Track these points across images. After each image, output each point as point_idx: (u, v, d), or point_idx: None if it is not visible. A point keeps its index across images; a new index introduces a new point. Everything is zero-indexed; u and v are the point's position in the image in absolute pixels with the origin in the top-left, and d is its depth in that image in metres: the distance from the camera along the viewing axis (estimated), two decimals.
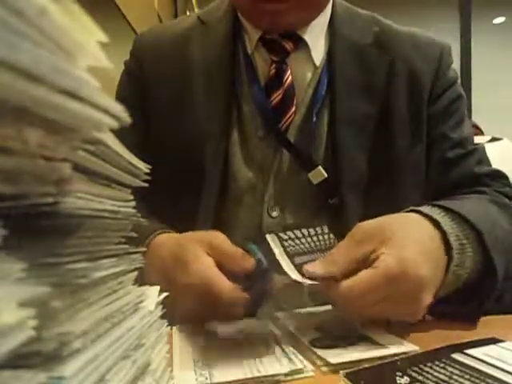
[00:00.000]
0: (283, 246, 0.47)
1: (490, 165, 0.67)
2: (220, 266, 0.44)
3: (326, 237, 0.49)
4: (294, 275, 0.43)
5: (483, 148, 0.69)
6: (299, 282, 0.42)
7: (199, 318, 0.48)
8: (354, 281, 0.41)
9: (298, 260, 0.45)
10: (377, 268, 0.41)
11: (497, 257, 0.48)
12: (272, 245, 0.47)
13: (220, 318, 0.48)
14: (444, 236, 0.46)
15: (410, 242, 0.43)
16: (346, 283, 0.41)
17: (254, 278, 0.44)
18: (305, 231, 0.49)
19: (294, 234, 0.49)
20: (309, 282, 0.42)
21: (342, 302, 0.42)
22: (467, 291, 0.49)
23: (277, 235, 0.48)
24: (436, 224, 0.47)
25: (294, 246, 0.47)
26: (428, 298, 0.43)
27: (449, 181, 0.64)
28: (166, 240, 0.52)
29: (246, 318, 0.48)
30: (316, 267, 0.43)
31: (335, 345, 0.41)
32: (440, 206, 0.50)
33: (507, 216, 0.56)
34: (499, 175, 0.66)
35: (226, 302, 0.42)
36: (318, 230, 0.50)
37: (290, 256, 0.45)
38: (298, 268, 0.44)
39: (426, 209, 0.49)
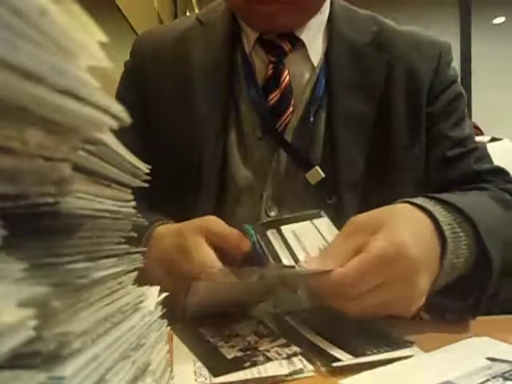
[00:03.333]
0: (284, 240, 0.48)
1: (491, 162, 0.67)
2: (219, 249, 0.48)
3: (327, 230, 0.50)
4: (289, 261, 0.44)
5: (484, 146, 0.68)
6: (293, 267, 0.43)
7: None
8: (346, 267, 0.40)
9: (297, 252, 0.46)
10: (369, 252, 0.41)
11: (492, 247, 0.47)
12: (272, 238, 0.48)
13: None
14: (437, 225, 0.46)
15: (401, 227, 0.43)
16: (338, 270, 0.40)
17: (250, 260, 0.47)
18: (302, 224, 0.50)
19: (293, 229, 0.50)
20: (304, 267, 0.43)
21: (336, 291, 0.41)
22: (464, 284, 0.49)
23: (278, 232, 0.49)
24: (428, 213, 0.46)
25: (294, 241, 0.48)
26: (424, 283, 0.42)
27: (448, 179, 0.64)
28: (167, 232, 0.53)
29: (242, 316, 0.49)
30: (312, 263, 0.43)
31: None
32: (432, 198, 0.50)
33: (507, 211, 0.55)
34: (501, 172, 0.65)
35: None
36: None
37: (290, 248, 0.46)
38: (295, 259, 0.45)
39: (417, 200, 0.49)
